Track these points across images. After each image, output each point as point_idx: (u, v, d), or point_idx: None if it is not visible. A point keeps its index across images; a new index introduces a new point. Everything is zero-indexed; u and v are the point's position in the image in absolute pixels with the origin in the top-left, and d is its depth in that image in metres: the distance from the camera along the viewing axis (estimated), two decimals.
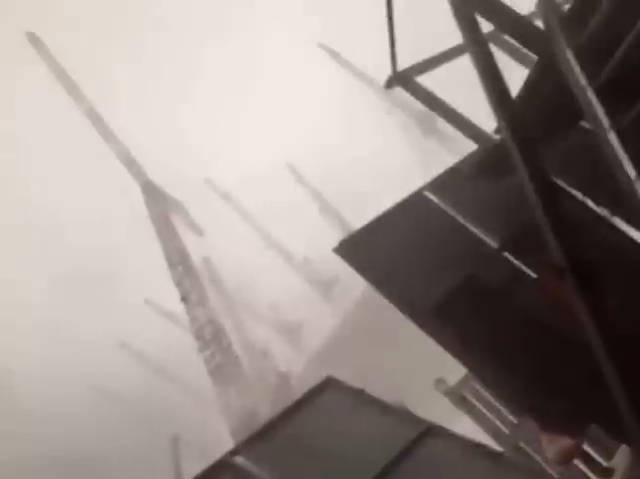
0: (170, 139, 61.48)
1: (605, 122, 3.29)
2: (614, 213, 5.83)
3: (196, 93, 63.98)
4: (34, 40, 40.32)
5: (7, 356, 52.52)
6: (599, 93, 3.42)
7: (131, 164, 40.33)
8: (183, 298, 36.92)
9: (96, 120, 40.10)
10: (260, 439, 6.42)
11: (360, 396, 6.84)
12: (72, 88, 40.19)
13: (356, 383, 7.19)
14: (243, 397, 35.77)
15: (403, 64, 5.97)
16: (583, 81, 3.47)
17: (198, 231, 44.42)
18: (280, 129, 62.23)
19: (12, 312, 56.14)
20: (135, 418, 51.33)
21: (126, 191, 41.79)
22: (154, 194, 40.16)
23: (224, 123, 63.98)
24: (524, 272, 6.26)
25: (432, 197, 7.12)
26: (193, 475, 6.13)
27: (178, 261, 37.65)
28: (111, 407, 52.16)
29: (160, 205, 39.95)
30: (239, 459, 6.09)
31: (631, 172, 3.27)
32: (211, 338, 36.70)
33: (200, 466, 6.22)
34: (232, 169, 58.65)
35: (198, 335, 36.95)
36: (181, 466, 42.04)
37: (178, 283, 37.37)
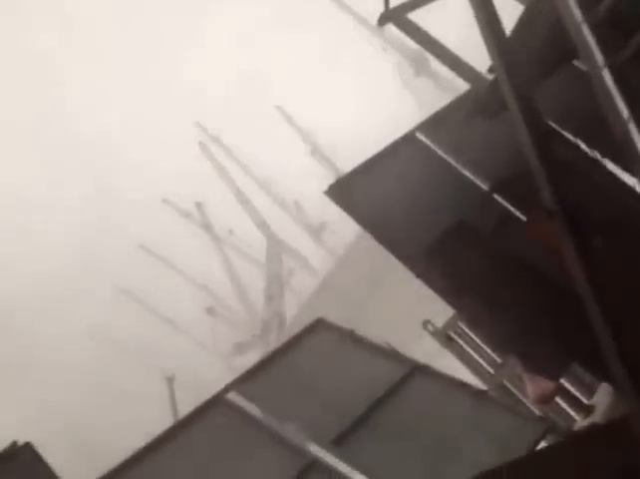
0: (160, 76, 60.76)
1: (599, 59, 3.23)
2: (606, 155, 5.81)
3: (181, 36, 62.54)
4: (204, 148, 55.78)
5: (8, 292, 52.96)
6: (594, 30, 3.35)
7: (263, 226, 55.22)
8: (268, 297, 53.59)
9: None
10: (252, 377, 6.54)
11: (349, 337, 6.94)
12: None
13: (346, 325, 7.29)
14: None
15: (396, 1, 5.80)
16: (578, 17, 3.40)
17: (314, 271, 55.19)
18: (269, 69, 60.92)
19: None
20: (130, 358, 52.05)
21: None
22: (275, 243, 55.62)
23: (211, 61, 62.57)
24: (514, 215, 6.29)
25: (423, 138, 7.05)
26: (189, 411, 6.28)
27: (275, 281, 54.37)
28: (106, 346, 52.79)
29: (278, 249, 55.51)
30: (232, 395, 6.22)
31: (624, 111, 3.23)
32: (274, 324, 51.93)
33: (196, 403, 6.35)
34: (221, 110, 57.63)
35: (265, 320, 52.76)
36: (177, 403, 43.05)
37: (268, 287, 54.03)
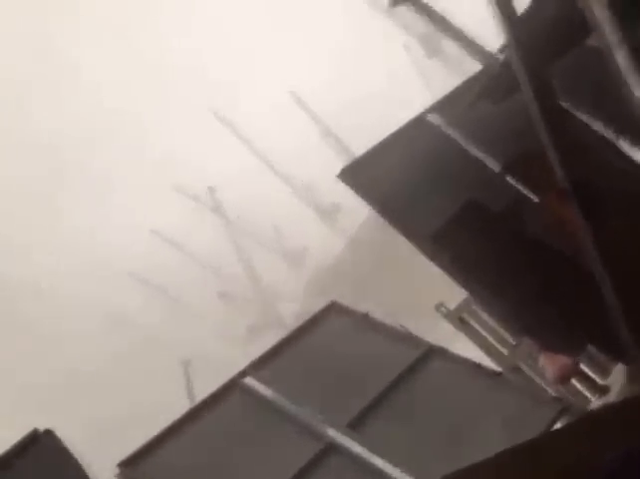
0: (178, 60, 60.70)
1: (614, 37, 3.18)
2: (621, 135, 5.75)
3: (194, 16, 62.32)
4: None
5: (26, 273, 53.48)
6: (609, 6, 3.30)
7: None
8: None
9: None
10: (268, 361, 6.57)
11: (363, 320, 6.95)
12: None
13: (359, 308, 7.30)
14: None
15: None
16: None
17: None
18: (280, 53, 60.68)
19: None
20: (144, 343, 52.45)
21: None
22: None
23: (224, 48, 62.37)
24: (526, 196, 6.25)
25: (435, 120, 7.01)
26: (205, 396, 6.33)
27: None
28: (123, 332, 53.20)
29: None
30: (248, 380, 6.27)
31: (638, 89, 3.19)
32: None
33: (212, 388, 6.40)
34: (234, 95, 57.58)
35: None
36: (194, 388, 43.41)
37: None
